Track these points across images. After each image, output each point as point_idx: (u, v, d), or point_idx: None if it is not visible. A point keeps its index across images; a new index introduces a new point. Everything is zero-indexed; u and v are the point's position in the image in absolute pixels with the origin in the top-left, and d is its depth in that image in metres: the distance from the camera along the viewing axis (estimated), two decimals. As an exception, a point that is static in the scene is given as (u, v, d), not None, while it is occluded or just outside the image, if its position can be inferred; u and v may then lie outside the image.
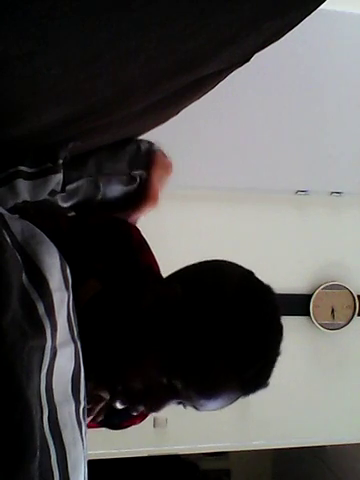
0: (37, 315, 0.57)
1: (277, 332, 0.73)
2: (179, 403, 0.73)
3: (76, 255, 0.70)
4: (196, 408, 0.72)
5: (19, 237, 0.62)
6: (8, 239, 0.59)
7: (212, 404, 0.71)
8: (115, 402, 0.71)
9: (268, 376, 0.72)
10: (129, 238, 0.82)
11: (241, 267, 0.77)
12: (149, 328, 0.71)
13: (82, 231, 0.81)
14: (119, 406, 0.71)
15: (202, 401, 0.71)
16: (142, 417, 0.83)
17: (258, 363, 0.70)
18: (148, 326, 0.71)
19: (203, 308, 0.71)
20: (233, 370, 0.68)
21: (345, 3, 1.82)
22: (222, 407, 0.73)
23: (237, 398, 0.72)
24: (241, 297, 0.72)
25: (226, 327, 0.69)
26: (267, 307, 0.73)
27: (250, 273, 0.76)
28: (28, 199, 0.77)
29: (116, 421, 0.81)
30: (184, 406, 0.73)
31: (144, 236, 0.85)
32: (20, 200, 0.76)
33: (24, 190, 0.76)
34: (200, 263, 0.78)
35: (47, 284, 0.60)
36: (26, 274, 0.58)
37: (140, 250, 0.83)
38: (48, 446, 0.55)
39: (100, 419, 0.77)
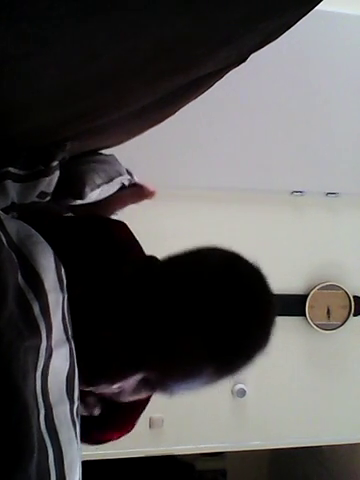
0: (33, 315, 0.58)
1: (260, 314, 0.70)
2: (152, 390, 0.71)
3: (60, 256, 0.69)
4: (165, 391, 0.70)
5: (15, 237, 0.62)
6: (4, 239, 0.59)
7: (186, 388, 0.70)
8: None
9: (246, 358, 0.69)
10: (110, 235, 0.82)
11: (230, 250, 0.76)
12: (127, 301, 0.70)
13: (62, 231, 0.81)
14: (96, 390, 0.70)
15: (175, 385, 0.69)
16: (120, 431, 0.81)
17: (233, 341, 0.67)
18: (126, 299, 0.70)
19: (182, 280, 0.70)
20: (206, 353, 0.66)
21: (341, 4, 1.83)
22: (194, 388, 0.71)
23: (214, 381, 0.70)
24: (223, 272, 0.71)
25: (203, 301, 0.67)
26: (250, 286, 0.71)
27: (238, 255, 0.75)
28: (15, 201, 0.76)
29: (91, 434, 0.78)
30: (152, 389, 0.71)
31: (132, 231, 0.84)
32: (9, 202, 0.75)
33: (12, 192, 0.75)
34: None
35: (42, 285, 0.60)
36: (22, 275, 0.58)
37: (124, 247, 0.82)
38: (46, 446, 0.55)
39: (96, 411, 0.75)
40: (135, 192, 1.02)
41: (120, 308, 0.70)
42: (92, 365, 0.68)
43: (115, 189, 0.97)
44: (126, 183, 1.00)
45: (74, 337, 0.65)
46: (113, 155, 1.03)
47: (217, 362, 0.67)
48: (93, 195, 0.90)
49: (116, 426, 0.80)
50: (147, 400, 0.81)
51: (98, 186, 0.90)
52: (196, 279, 0.70)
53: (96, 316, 0.70)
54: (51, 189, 0.82)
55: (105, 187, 0.93)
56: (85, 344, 0.67)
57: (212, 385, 0.71)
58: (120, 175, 0.98)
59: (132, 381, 0.69)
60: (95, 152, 1.00)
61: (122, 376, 0.68)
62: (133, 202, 1.02)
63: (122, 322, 0.68)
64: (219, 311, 0.66)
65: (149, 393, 0.73)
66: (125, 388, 0.69)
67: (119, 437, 0.81)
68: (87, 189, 0.88)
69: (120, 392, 0.70)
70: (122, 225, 0.85)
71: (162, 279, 0.72)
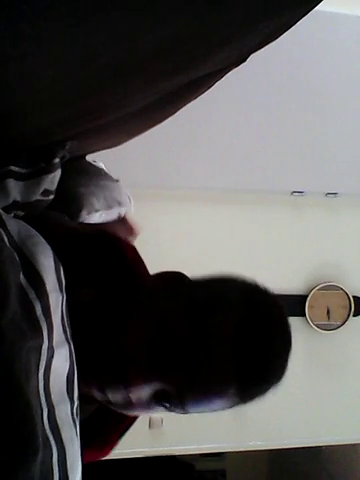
0: (35, 315, 0.58)
1: (282, 339, 0.72)
2: (166, 406, 0.70)
3: (69, 261, 0.69)
4: (184, 410, 0.69)
5: (16, 237, 0.62)
6: (6, 239, 0.59)
7: (204, 406, 0.70)
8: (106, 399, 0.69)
9: (269, 384, 0.71)
10: (123, 253, 0.82)
11: (250, 280, 0.76)
12: (150, 314, 0.70)
13: (76, 239, 0.81)
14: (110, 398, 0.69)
15: (195, 402, 0.68)
16: (95, 454, 0.79)
17: (260, 368, 0.68)
18: (149, 312, 0.70)
19: (209, 305, 0.70)
20: (234, 372, 0.67)
21: (341, 4, 1.83)
22: (215, 410, 0.71)
23: (233, 403, 0.71)
24: (248, 300, 0.71)
25: (231, 326, 0.67)
26: (273, 314, 0.72)
27: (256, 283, 0.75)
28: (19, 200, 0.76)
29: None
30: (170, 408, 0.70)
31: (140, 255, 0.84)
32: (10, 200, 0.75)
33: (14, 190, 0.75)
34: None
35: (44, 285, 0.60)
36: (24, 274, 0.58)
37: (135, 265, 0.82)
38: (50, 444, 0.55)
39: None
40: (125, 227, 1.01)
41: (148, 318, 0.69)
42: (111, 367, 0.67)
43: (113, 218, 0.97)
44: (122, 214, 0.99)
45: (89, 341, 0.66)
46: (118, 181, 1.02)
47: (242, 383, 0.67)
48: (91, 219, 0.90)
49: (92, 448, 0.77)
50: (128, 423, 0.79)
51: (96, 211, 0.90)
52: (228, 301, 0.71)
53: (116, 323, 0.70)
54: (54, 187, 0.82)
55: (104, 214, 0.93)
56: (102, 348, 0.68)
57: (225, 409, 0.71)
58: (119, 205, 0.97)
59: (148, 390, 0.68)
60: (101, 173, 1.00)
61: (140, 381, 0.67)
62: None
63: (149, 330, 0.68)
64: (249, 334, 0.67)
65: (162, 410, 0.71)
66: (140, 397, 0.68)
67: (92, 460, 0.77)
68: (84, 212, 0.88)
69: (132, 403, 0.69)
70: (132, 246, 0.84)
71: (195, 295, 0.72)
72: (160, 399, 0.69)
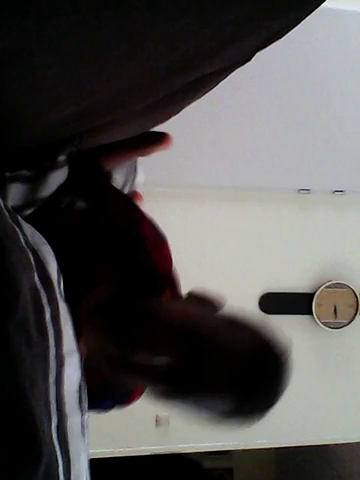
0: (44, 321, 0.57)
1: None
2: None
3: (85, 253, 0.70)
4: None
5: (30, 239, 0.61)
6: (22, 239, 0.59)
7: None
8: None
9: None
10: (144, 241, 0.81)
11: None
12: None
13: (93, 229, 0.80)
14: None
15: None
16: (136, 394, 0.80)
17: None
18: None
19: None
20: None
21: (347, 1, 1.82)
22: None
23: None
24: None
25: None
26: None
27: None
28: (21, 204, 0.76)
29: (110, 404, 0.80)
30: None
31: (160, 229, 0.85)
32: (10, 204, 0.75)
33: (17, 194, 0.75)
34: None
35: (54, 291, 0.59)
36: (38, 276, 0.58)
37: (154, 251, 0.82)
38: (56, 456, 0.54)
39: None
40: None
41: None
42: None
43: None
44: None
45: None
46: None
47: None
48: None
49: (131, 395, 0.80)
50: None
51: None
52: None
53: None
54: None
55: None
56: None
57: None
58: None
59: None
60: None
61: None
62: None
63: None
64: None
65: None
66: None
67: (130, 402, 0.80)
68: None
69: None
70: (152, 225, 0.85)
71: None
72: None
